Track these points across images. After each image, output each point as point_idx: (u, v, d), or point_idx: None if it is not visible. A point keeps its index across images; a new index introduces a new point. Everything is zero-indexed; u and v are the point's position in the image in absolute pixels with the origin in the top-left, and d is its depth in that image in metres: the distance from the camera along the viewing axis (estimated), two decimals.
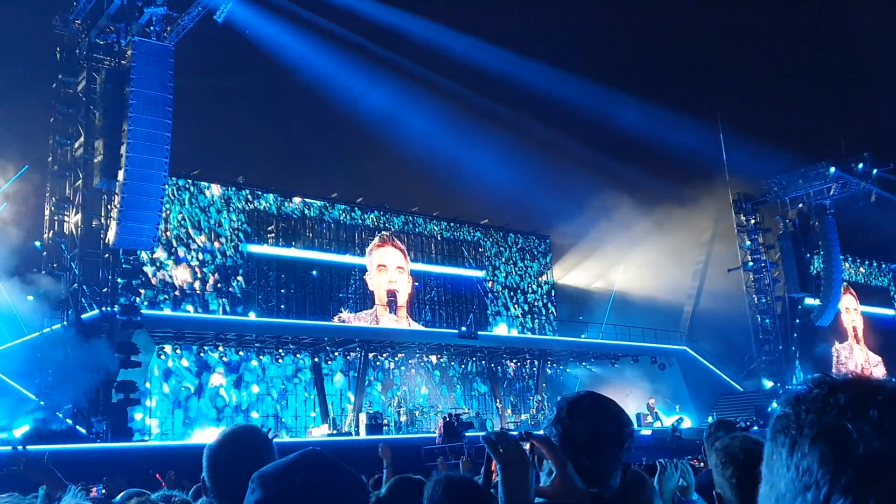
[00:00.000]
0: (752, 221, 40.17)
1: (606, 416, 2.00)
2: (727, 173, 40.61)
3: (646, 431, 30.01)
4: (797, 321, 39.81)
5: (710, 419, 33.89)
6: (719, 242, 42.14)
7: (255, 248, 32.40)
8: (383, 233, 36.21)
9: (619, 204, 41.02)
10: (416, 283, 37.02)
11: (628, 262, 42.67)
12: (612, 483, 1.94)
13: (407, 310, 35.53)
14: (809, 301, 39.90)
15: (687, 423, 31.83)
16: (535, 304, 41.61)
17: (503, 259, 41.05)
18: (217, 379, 30.00)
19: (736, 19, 51.54)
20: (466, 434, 23.59)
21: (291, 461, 1.60)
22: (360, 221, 36.17)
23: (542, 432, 1.98)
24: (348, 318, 33.67)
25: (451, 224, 39.53)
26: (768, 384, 38.10)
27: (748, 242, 40.00)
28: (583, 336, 37.68)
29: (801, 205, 39.69)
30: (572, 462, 1.76)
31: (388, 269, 35.59)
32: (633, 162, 41.57)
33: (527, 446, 1.73)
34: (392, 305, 34.51)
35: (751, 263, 39.88)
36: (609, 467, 1.93)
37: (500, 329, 37.99)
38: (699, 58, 49.69)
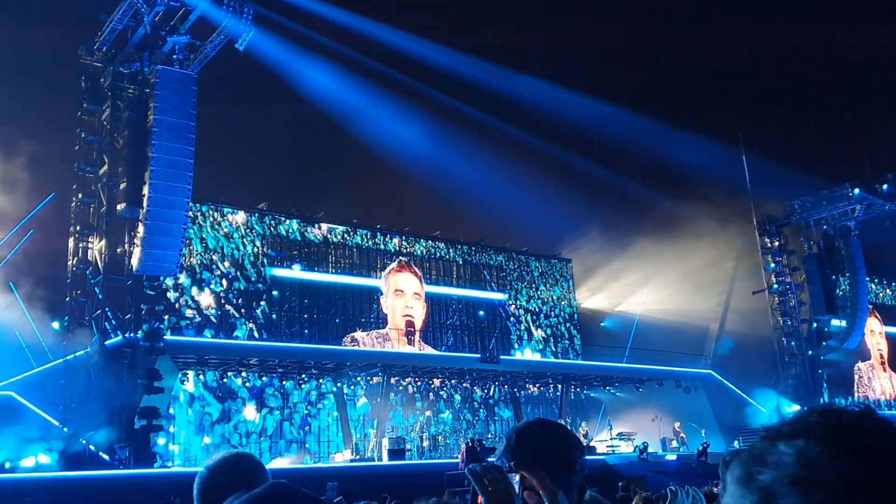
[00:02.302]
0: (777, 244, 39.81)
1: (555, 440, 2.05)
2: (750, 195, 40.32)
3: (671, 456, 29.63)
4: (824, 344, 39.27)
5: (735, 444, 33.43)
6: (744, 265, 41.77)
7: (279, 272, 32.58)
8: (401, 258, 36.30)
9: (643, 227, 40.86)
10: (437, 308, 37.01)
11: (652, 286, 42.37)
12: None
13: (420, 334, 35.67)
14: (836, 323, 39.38)
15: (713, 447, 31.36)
16: (558, 328, 41.37)
17: (525, 283, 40.92)
18: (241, 405, 30.03)
19: (758, 42, 51.43)
20: (489, 459, 23.38)
21: (256, 497, 1.53)
22: (382, 246, 36.28)
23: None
24: (361, 339, 33.60)
25: (473, 248, 39.51)
26: (794, 408, 37.53)
27: (773, 265, 39.62)
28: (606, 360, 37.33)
29: (825, 226, 39.27)
30: None
31: (406, 294, 35.64)
32: (657, 185, 41.48)
33: (516, 478, 1.71)
34: (410, 335, 34.64)
35: (776, 286, 39.46)
36: (564, 492, 1.94)
37: (523, 354, 37.80)
38: (722, 81, 49.61)
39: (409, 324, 35.06)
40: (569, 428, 2.15)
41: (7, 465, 18.92)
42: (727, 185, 40.56)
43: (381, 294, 35.25)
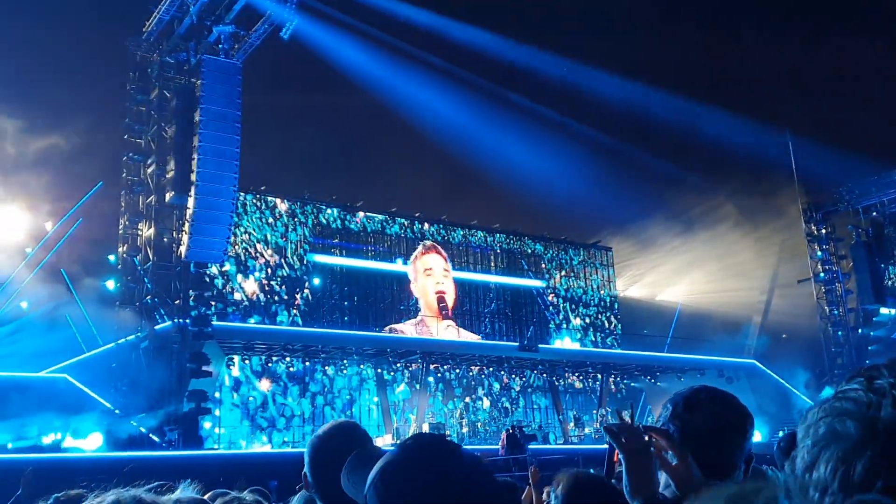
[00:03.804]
0: (824, 231, 39.09)
1: (726, 407, 2.00)
2: (796, 181, 39.58)
3: None
4: (871, 333, 38.53)
5: (780, 434, 33.07)
6: (789, 253, 41.06)
7: (320, 258, 32.93)
8: (425, 241, 36.23)
9: (685, 214, 40.45)
10: (475, 295, 37.06)
11: (694, 274, 41.96)
12: (737, 475, 1.94)
13: (452, 311, 35.46)
14: (884, 312, 38.58)
15: (757, 437, 31.12)
16: (598, 316, 41.19)
17: (564, 272, 40.76)
18: (284, 390, 30.47)
19: (803, 20, 50.42)
20: (529, 446, 23.45)
21: (411, 452, 1.41)
22: (419, 235, 36.42)
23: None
24: (401, 330, 33.72)
25: (511, 237, 39.44)
26: None
27: (819, 253, 38.91)
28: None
29: (874, 213, 38.42)
30: (696, 457, 1.77)
31: (435, 272, 35.60)
32: (700, 171, 40.96)
33: (645, 439, 1.76)
34: (444, 309, 34.54)
35: (822, 274, 38.76)
36: (734, 459, 1.93)
37: (563, 342, 37.71)
38: (766, 63, 48.77)
39: (441, 299, 35.03)
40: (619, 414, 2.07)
41: (62, 444, 19.46)
42: (773, 172, 39.89)
43: (410, 280, 35.28)
